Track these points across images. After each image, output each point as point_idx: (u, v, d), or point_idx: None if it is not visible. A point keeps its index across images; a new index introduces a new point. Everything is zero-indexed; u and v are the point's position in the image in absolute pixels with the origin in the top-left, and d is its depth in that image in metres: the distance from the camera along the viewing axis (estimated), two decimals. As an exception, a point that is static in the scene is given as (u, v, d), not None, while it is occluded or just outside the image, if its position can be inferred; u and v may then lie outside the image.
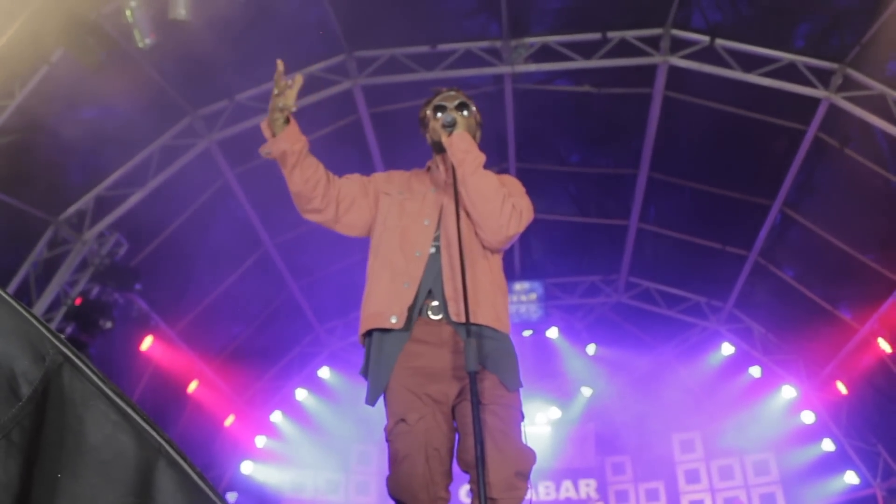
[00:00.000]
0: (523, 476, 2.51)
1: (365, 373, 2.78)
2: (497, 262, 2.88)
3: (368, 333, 2.77)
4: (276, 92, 2.72)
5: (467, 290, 2.47)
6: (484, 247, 2.81)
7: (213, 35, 7.30)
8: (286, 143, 2.76)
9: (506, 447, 2.49)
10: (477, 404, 2.26)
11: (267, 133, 2.81)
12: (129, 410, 0.95)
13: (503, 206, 2.73)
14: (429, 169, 3.10)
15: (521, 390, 2.69)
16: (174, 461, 0.94)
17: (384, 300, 2.72)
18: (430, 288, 2.71)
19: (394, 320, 2.66)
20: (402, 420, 2.56)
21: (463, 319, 2.46)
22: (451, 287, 2.68)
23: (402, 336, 2.67)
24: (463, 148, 2.79)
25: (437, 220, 2.85)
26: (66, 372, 0.94)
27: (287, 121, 2.77)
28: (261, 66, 8.29)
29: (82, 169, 7.92)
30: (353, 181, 3.00)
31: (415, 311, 2.69)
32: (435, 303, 2.70)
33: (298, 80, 2.75)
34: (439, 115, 2.99)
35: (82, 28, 6.16)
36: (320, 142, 9.10)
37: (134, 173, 8.20)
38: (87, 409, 0.93)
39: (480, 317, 2.63)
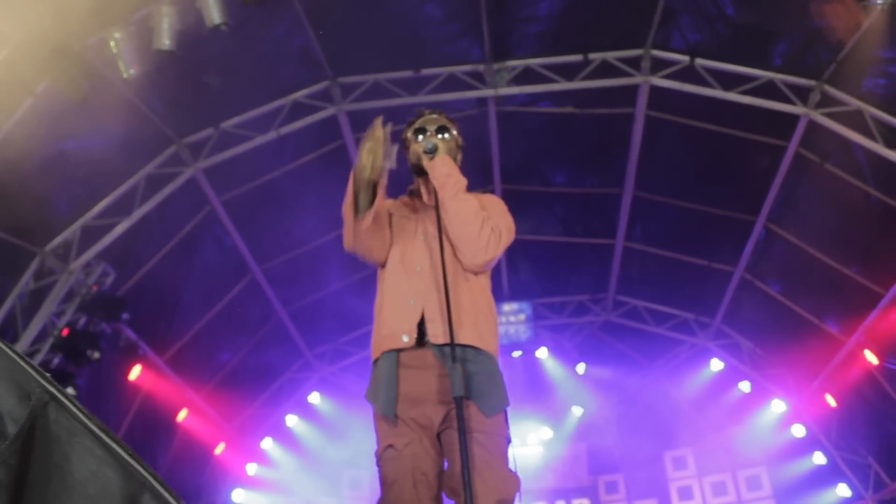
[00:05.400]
0: (506, 503, 2.52)
1: (371, 396, 2.75)
2: (480, 282, 2.89)
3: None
4: (377, 147, 2.70)
5: (451, 312, 2.49)
6: (462, 267, 2.83)
7: (198, 64, 7.36)
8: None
9: (488, 476, 2.49)
10: (463, 431, 2.28)
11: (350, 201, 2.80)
12: (115, 446, 0.97)
13: (482, 230, 2.77)
14: (411, 193, 3.14)
15: (512, 411, 2.69)
16: (159, 494, 0.96)
17: (394, 320, 2.75)
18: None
19: (405, 339, 2.69)
20: (390, 446, 2.58)
21: (443, 340, 2.48)
22: (432, 309, 2.70)
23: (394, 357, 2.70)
24: (444, 172, 2.83)
25: (428, 238, 2.88)
26: (51, 410, 0.96)
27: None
28: (245, 93, 8.35)
29: (68, 199, 7.90)
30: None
31: (423, 328, 2.71)
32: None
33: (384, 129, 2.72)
34: (420, 137, 3.03)
35: (67, 59, 6.19)
36: (306, 168, 9.20)
37: (120, 203, 8.19)
38: (73, 445, 0.95)
39: (462, 337, 2.64)
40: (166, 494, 0.96)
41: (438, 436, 2.64)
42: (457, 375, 2.37)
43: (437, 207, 2.80)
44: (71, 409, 0.97)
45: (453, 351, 2.42)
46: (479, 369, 2.66)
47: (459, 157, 3.10)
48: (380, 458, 2.63)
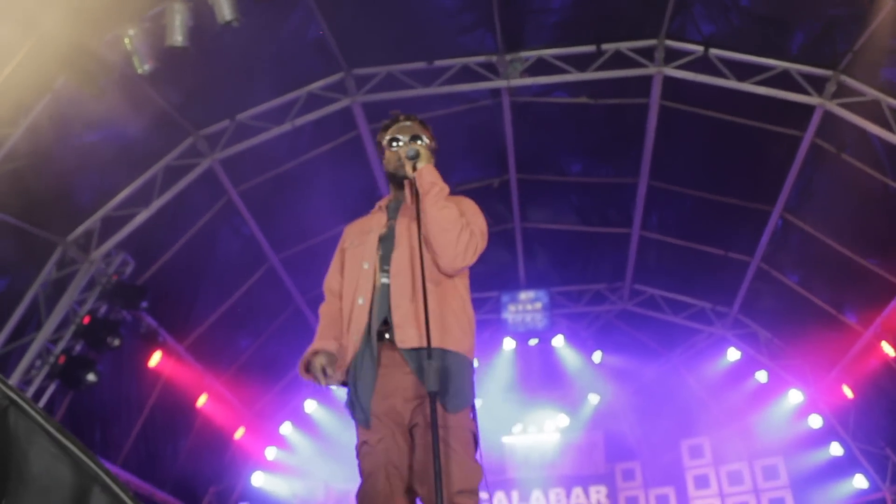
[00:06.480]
0: (468, 493, 2.63)
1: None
2: (453, 283, 2.96)
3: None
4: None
5: (425, 316, 2.65)
6: (439, 271, 2.91)
7: (213, 57, 7.48)
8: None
9: (449, 468, 2.60)
10: (436, 425, 2.40)
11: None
12: (69, 444, 1.07)
13: (460, 236, 2.86)
14: (379, 209, 3.21)
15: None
16: (108, 487, 1.06)
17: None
18: (385, 316, 2.86)
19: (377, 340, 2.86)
20: (365, 442, 2.77)
21: (408, 345, 2.72)
22: (398, 315, 2.82)
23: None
24: (430, 180, 2.92)
25: (376, 261, 2.98)
26: (11, 413, 1.07)
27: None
28: (261, 85, 8.47)
29: (88, 191, 8.10)
30: (335, 274, 3.15)
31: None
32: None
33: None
34: (394, 145, 3.11)
35: (83, 56, 6.33)
36: (321, 159, 9.32)
37: (139, 194, 8.37)
38: (31, 444, 1.05)
39: (427, 340, 2.70)
40: (115, 487, 1.07)
41: (411, 431, 2.77)
42: (431, 373, 2.50)
43: (417, 212, 2.89)
44: (30, 412, 1.08)
45: (429, 351, 2.55)
46: (445, 366, 2.75)
47: (433, 160, 3.14)
48: (358, 452, 2.84)
